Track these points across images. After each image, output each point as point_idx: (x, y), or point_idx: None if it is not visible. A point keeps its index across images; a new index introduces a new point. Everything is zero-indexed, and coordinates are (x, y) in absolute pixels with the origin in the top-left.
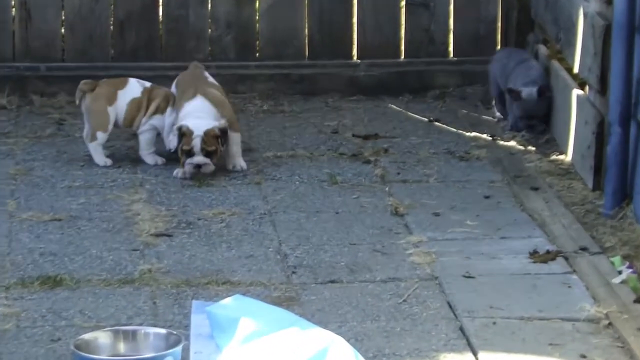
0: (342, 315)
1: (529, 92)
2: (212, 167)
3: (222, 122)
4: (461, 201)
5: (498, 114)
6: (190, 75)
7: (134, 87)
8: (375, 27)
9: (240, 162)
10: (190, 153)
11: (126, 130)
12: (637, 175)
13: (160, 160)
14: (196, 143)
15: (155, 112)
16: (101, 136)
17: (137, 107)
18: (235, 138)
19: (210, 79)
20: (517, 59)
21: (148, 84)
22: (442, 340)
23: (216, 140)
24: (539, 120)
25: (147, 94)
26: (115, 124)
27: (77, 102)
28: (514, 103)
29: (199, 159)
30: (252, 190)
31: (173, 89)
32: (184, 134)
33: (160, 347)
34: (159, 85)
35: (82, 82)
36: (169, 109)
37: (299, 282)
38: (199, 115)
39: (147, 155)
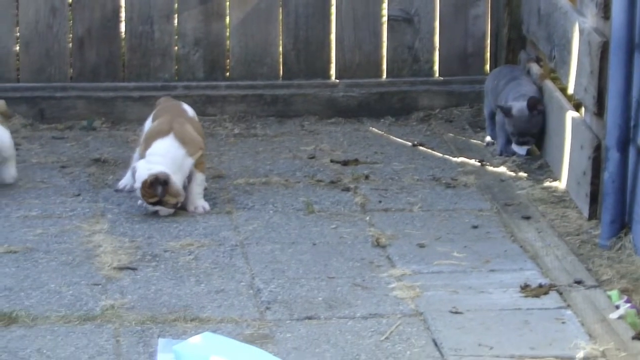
0: (320, 354)
1: (519, 107)
2: (166, 212)
3: (162, 172)
4: (447, 231)
5: (488, 137)
6: (169, 108)
7: None
8: (354, 45)
9: (202, 204)
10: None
11: None
12: (636, 204)
13: None
14: (138, 194)
15: None
16: None
17: None
18: (198, 178)
19: (190, 113)
20: (508, 77)
21: None
22: None
23: (154, 189)
24: (533, 137)
25: None
26: None
27: None
28: (505, 119)
29: (146, 206)
30: (222, 220)
31: (149, 121)
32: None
33: None
34: None
35: None
36: None
37: (273, 319)
38: (157, 159)
39: None
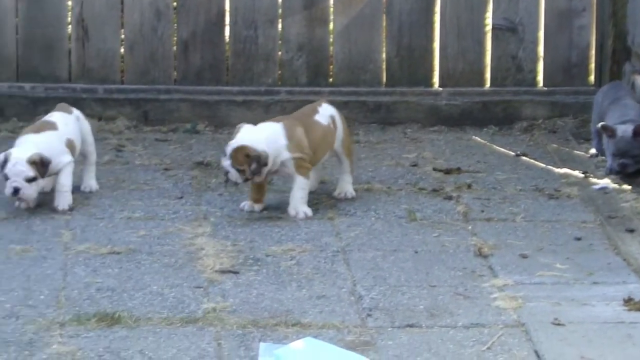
0: None
1: (624, 129)
2: (235, 177)
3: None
4: (550, 242)
5: (593, 149)
6: (304, 107)
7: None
8: (458, 53)
9: (304, 209)
10: None
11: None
12: None
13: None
14: (227, 151)
15: None
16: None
17: None
18: (299, 182)
19: (317, 116)
20: (612, 97)
21: None
22: None
23: (247, 160)
24: (634, 161)
25: None
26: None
27: None
28: (608, 141)
29: (226, 165)
30: (324, 225)
31: None
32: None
33: None
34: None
35: None
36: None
37: (375, 326)
38: (255, 133)
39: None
